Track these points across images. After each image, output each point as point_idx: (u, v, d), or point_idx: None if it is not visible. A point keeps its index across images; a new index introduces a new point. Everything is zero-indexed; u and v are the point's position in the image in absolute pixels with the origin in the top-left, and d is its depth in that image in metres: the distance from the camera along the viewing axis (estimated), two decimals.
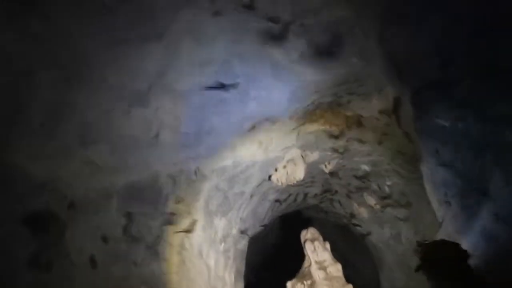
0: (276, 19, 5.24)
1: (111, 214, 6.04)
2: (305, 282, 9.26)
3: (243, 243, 10.24)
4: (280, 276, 10.05)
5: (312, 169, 9.68)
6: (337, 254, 10.33)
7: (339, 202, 12.21)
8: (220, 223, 8.29)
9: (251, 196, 9.29)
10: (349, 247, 14.60)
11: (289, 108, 6.87)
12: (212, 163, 7.19)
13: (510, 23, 4.23)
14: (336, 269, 9.22)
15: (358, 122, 7.75)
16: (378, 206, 10.60)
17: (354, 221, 12.39)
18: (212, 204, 7.78)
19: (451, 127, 4.96)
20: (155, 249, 6.62)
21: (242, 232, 9.96)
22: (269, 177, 8.99)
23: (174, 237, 6.95)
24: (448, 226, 5.57)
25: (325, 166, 9.72)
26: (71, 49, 4.36)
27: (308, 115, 7.39)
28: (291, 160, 8.68)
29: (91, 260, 5.70)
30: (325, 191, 11.93)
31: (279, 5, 5.11)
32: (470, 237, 4.93)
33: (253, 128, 6.89)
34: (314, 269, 9.23)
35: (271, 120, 6.94)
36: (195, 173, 7.07)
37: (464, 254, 3.95)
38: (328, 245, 9.84)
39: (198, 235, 7.43)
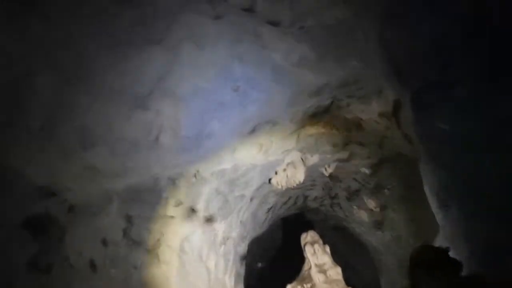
0: (276, 22, 5.24)
1: (111, 217, 6.05)
2: (305, 285, 9.27)
3: (243, 246, 10.25)
4: (280, 279, 10.06)
5: (312, 172, 9.69)
6: (337, 257, 10.33)
7: (339, 205, 12.22)
8: (220, 226, 8.29)
9: (251, 199, 9.30)
10: (349, 250, 14.60)
11: (289, 111, 6.87)
12: (212, 166, 7.19)
13: (511, 23, 4.23)
14: (336, 272, 9.24)
15: (358, 125, 7.75)
16: (378, 209, 10.60)
17: (354, 224, 12.40)
18: (212, 207, 7.78)
19: (451, 129, 4.94)
20: (155, 252, 6.63)
21: (242, 235, 9.96)
22: (269, 180, 8.99)
23: (174, 240, 6.96)
24: (447, 229, 5.56)
25: (325, 169, 9.73)
26: (71, 50, 4.35)
27: (308, 118, 7.39)
28: (291, 163, 8.68)
29: (91, 263, 5.71)
30: (325, 194, 11.95)
31: (279, 8, 5.11)
32: (469, 241, 4.93)
33: (253, 131, 6.88)
34: (314, 272, 9.25)
35: (271, 122, 6.94)
36: (195, 176, 7.08)
37: (455, 262, 3.94)
38: (328, 248, 9.85)
39: (198, 238, 7.44)
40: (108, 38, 4.44)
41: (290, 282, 9.53)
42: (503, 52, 4.37)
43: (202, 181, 7.23)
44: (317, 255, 9.58)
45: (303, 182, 9.23)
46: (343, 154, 9.00)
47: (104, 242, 5.93)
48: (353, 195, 11.12)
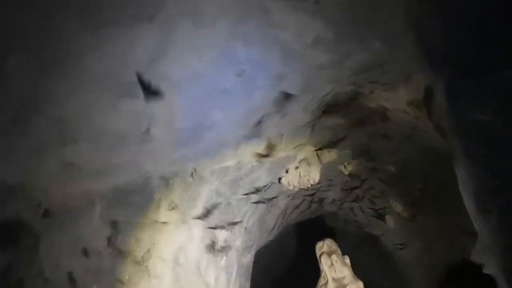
0: None
1: (93, 223, 6.08)
2: None
3: (249, 257, 10.27)
4: None
5: (329, 171, 9.70)
6: (358, 269, 10.36)
7: (361, 209, 12.23)
8: (221, 234, 8.32)
9: (258, 202, 9.31)
10: (372, 262, 14.62)
11: (303, 100, 6.87)
12: (212, 163, 7.21)
13: None
14: None
15: (383, 115, 7.74)
16: (406, 214, 10.60)
17: (378, 231, 12.41)
18: (212, 212, 7.80)
19: (492, 121, 4.93)
20: (145, 265, 6.66)
21: (247, 244, 9.99)
22: (279, 179, 9.01)
23: (167, 250, 6.99)
24: (486, 238, 5.55)
25: (345, 167, 9.74)
26: (47, 31, 4.34)
27: (324, 108, 7.40)
28: (305, 160, 8.69)
29: (69, 277, 5.75)
30: (345, 196, 11.95)
31: None
32: None
33: (259, 122, 6.89)
34: None
35: (281, 113, 6.94)
36: (192, 175, 7.11)
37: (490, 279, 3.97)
38: (347, 260, 9.89)
39: (195, 248, 7.46)
40: (90, 15, 4.44)
41: None
42: None
43: (200, 181, 7.26)
44: (335, 268, 9.62)
45: (319, 182, 9.25)
46: (366, 149, 9.00)
47: (85, 253, 5.97)
48: (377, 197, 11.13)
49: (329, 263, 9.62)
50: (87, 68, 4.76)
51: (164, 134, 5.94)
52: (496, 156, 5.02)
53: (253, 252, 10.52)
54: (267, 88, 6.25)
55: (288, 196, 10.54)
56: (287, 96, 6.57)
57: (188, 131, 6.16)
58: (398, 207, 10.61)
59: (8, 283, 4.94)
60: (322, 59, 5.99)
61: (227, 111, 6.29)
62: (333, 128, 8.06)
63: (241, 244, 9.47)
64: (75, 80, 4.79)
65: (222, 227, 8.28)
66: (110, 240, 6.26)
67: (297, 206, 11.82)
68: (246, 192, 8.51)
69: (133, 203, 6.50)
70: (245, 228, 9.45)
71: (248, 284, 10.50)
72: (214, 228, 8.00)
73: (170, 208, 6.95)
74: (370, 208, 11.76)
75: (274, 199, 10.05)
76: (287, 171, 8.82)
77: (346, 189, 11.48)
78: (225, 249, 8.62)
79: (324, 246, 10.14)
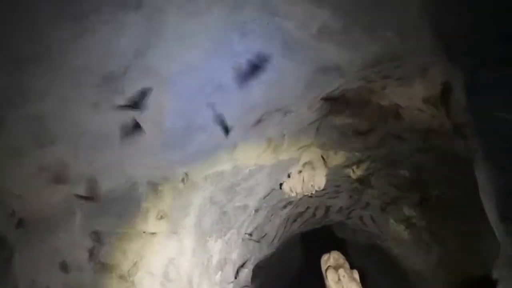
0: None
1: (73, 234, 6.07)
2: None
3: (246, 272, 10.27)
4: None
5: (336, 175, 9.71)
6: (369, 285, 10.36)
7: (372, 217, 12.24)
8: (215, 246, 8.32)
9: (257, 210, 9.32)
10: (384, 276, 14.63)
11: (306, 96, 6.86)
12: (206, 167, 7.20)
13: None
14: None
15: (396, 113, 7.74)
16: (422, 223, 10.61)
17: (390, 242, 12.41)
18: (205, 221, 7.80)
19: None
20: (131, 280, 6.65)
21: (245, 257, 9.99)
22: (280, 185, 9.01)
23: (155, 264, 6.98)
24: (509, 248, 5.56)
25: (353, 171, 9.75)
26: (21, 21, 4.35)
27: (331, 105, 7.39)
28: (309, 163, 8.69)
29: None
30: (353, 204, 11.95)
31: None
32: None
33: (259, 121, 6.89)
34: None
35: (282, 111, 6.93)
36: (183, 180, 7.09)
37: None
38: (356, 274, 9.90)
39: (187, 261, 7.46)
40: (69, 4, 4.43)
41: None
42: None
43: (192, 187, 7.25)
44: (342, 284, 9.63)
45: (324, 188, 9.25)
46: (377, 152, 9.01)
47: (64, 267, 5.95)
48: (389, 205, 11.14)
49: (336, 279, 9.64)
50: (66, 62, 4.76)
51: (151, 135, 5.94)
52: None
53: (251, 266, 10.53)
54: (268, 83, 6.23)
55: (291, 204, 10.56)
56: (290, 93, 6.57)
57: (179, 131, 6.15)
58: (412, 215, 10.61)
59: None
60: (328, 51, 5.98)
61: (222, 110, 6.29)
62: (340, 128, 8.05)
63: (237, 257, 9.47)
64: (52, 75, 4.78)
65: (217, 239, 8.28)
66: (92, 253, 6.24)
67: (300, 215, 11.83)
68: (244, 199, 8.50)
69: (118, 211, 6.48)
70: (243, 239, 9.45)
71: None
72: (208, 239, 7.99)
73: (159, 217, 6.94)
74: (381, 217, 11.76)
75: (275, 207, 10.06)
76: (289, 176, 8.83)
77: (355, 196, 11.47)
78: (220, 262, 8.62)
79: (330, 260, 10.15)
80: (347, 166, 9.57)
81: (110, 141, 5.70)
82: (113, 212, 6.44)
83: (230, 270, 9.16)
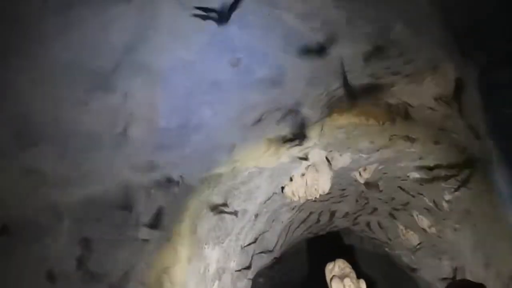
0: None
1: (60, 241, 6.04)
2: None
3: (245, 282, 10.26)
4: None
5: (341, 178, 9.71)
6: None
7: (379, 223, 12.23)
8: (213, 254, 8.30)
9: (257, 215, 9.31)
10: (393, 286, 14.62)
11: (309, 94, 6.85)
12: (202, 170, 7.19)
13: None
14: None
15: (405, 112, 7.73)
16: (433, 229, 10.59)
17: (399, 250, 12.40)
18: (201, 228, 7.78)
19: None
20: None
21: (244, 266, 9.97)
22: (282, 189, 9.00)
23: (148, 273, 6.96)
24: None
25: (360, 174, 9.73)
26: (5, 13, 4.34)
27: (336, 104, 7.38)
28: (313, 166, 8.67)
29: None
30: (360, 209, 11.94)
31: None
32: None
33: (258, 121, 6.88)
34: None
35: (283, 109, 6.92)
36: (178, 184, 7.08)
37: None
38: (363, 284, 9.87)
39: (182, 270, 7.44)
40: None
41: None
42: None
43: (187, 191, 7.23)
44: None
45: (329, 192, 9.24)
46: (385, 154, 8.99)
47: (51, 276, 5.93)
48: (399, 210, 11.12)
49: None
50: (52, 57, 4.73)
51: (144, 135, 5.92)
52: None
53: (250, 276, 10.50)
54: (268, 80, 6.22)
55: (293, 209, 10.55)
56: (291, 90, 6.55)
57: (173, 131, 6.14)
58: (423, 221, 10.59)
59: None
60: (332, 46, 5.96)
61: (219, 108, 6.27)
62: (346, 128, 8.04)
63: (236, 265, 9.46)
64: (38, 71, 4.76)
65: (214, 246, 8.26)
66: (80, 262, 6.22)
67: (303, 221, 11.83)
68: (243, 204, 8.48)
69: (108, 217, 6.46)
70: (242, 247, 9.43)
71: None
72: (204, 247, 7.97)
73: (152, 223, 6.92)
74: (390, 223, 11.75)
75: (276, 212, 10.04)
76: (291, 179, 8.81)
77: (362, 201, 11.47)
78: (217, 271, 8.60)
79: (335, 268, 10.13)
80: (354, 169, 9.56)
81: (100, 142, 5.68)
82: (103, 218, 6.41)
83: (228, 280, 9.15)
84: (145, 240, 6.87)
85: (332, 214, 12.13)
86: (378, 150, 8.81)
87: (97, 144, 5.68)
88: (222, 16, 5.14)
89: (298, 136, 7.60)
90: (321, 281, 10.13)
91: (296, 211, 10.80)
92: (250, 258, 10.14)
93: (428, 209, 10.28)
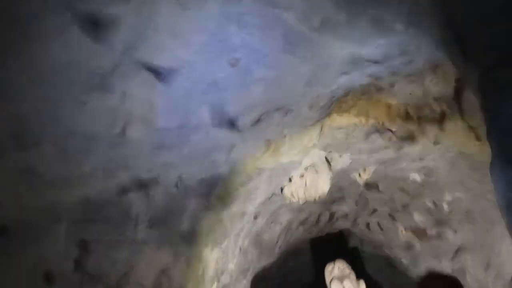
0: None
1: (58, 242, 6.03)
2: None
3: (244, 283, 10.26)
4: None
5: (341, 179, 9.71)
6: None
7: (379, 225, 12.23)
8: (211, 256, 8.30)
9: (255, 217, 9.30)
10: (392, 287, 14.62)
11: (309, 94, 6.84)
12: (201, 171, 7.19)
13: None
14: None
15: (405, 113, 7.74)
16: (434, 231, 10.59)
17: (399, 251, 12.40)
18: (200, 229, 7.77)
19: None
20: None
21: (243, 267, 9.97)
22: (281, 190, 8.99)
23: (146, 275, 6.96)
24: None
25: (360, 175, 9.74)
26: (4, 13, 4.32)
27: (336, 104, 7.38)
28: (312, 167, 8.68)
29: None
30: (360, 210, 11.94)
31: None
32: None
33: (258, 121, 6.87)
34: None
35: (283, 110, 6.92)
36: (177, 184, 7.07)
37: None
38: (363, 285, 9.89)
39: (180, 272, 7.43)
40: None
41: None
42: None
43: (186, 192, 7.23)
44: None
45: (329, 193, 9.24)
46: (385, 154, 9.00)
47: (48, 277, 5.93)
48: (399, 212, 11.12)
49: None
50: (50, 57, 4.72)
51: (142, 136, 5.92)
52: None
53: (249, 277, 10.51)
54: (267, 80, 6.22)
55: (292, 210, 10.54)
56: (290, 91, 6.55)
57: (172, 132, 6.14)
58: (424, 223, 10.59)
59: None
60: (332, 46, 5.96)
61: (218, 108, 6.27)
62: (346, 129, 8.04)
63: (235, 267, 9.45)
64: (35, 70, 4.74)
65: (212, 247, 8.26)
66: (78, 263, 6.21)
67: (302, 222, 11.82)
68: (241, 205, 8.48)
69: (107, 218, 6.45)
70: (240, 248, 9.43)
71: None
72: (203, 248, 7.97)
73: (151, 224, 6.92)
74: (390, 224, 11.75)
75: (275, 214, 10.04)
76: (290, 180, 8.81)
77: (362, 202, 11.47)
78: (216, 273, 8.60)
79: (335, 270, 10.14)
80: (354, 170, 9.56)
81: (98, 143, 5.68)
82: (102, 219, 6.41)
83: (227, 281, 9.14)
84: (144, 241, 6.87)
85: (332, 215, 12.13)
86: (378, 151, 8.81)
87: (95, 145, 5.66)
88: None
89: (298, 136, 7.61)
90: (320, 282, 10.14)
91: (295, 213, 10.80)
92: (249, 260, 10.14)
93: (428, 210, 10.29)
